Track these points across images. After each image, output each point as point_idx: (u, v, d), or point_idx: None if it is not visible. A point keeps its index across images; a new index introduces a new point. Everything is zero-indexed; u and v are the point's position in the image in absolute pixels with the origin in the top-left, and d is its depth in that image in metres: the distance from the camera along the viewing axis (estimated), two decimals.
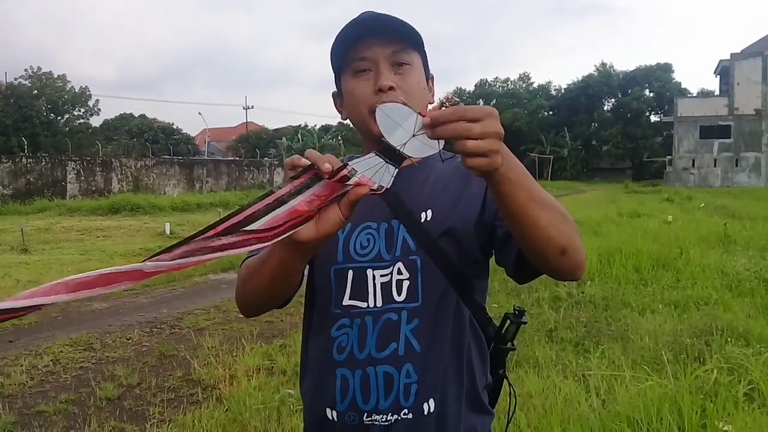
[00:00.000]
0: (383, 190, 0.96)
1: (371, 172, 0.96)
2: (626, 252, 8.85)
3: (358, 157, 0.99)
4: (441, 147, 0.95)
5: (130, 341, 5.97)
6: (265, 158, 42.60)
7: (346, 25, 1.24)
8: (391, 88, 1.21)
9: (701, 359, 4.62)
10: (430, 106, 1.25)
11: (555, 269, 1.12)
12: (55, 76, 42.38)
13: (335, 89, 1.35)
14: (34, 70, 41.75)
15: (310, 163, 0.96)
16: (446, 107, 0.95)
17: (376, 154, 0.97)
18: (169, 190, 29.98)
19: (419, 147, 0.95)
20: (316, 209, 0.98)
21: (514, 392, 1.45)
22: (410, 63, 1.25)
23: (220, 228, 0.90)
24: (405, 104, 0.96)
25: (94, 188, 27.12)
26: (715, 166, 47.33)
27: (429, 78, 1.33)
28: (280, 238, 0.95)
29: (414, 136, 0.95)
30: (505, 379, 1.40)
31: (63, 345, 5.75)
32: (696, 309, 6.31)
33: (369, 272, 1.25)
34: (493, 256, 1.30)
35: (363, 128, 1.28)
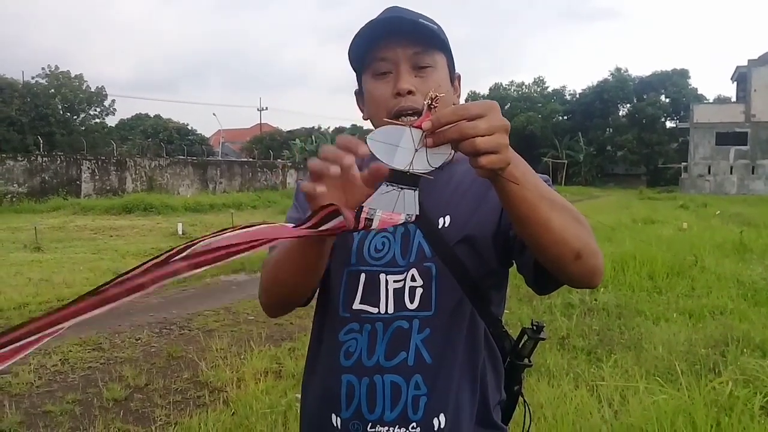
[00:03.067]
0: (414, 217, 0.90)
1: (391, 205, 0.89)
2: (640, 259, 8.75)
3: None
4: (453, 151, 0.88)
5: (139, 342, 5.96)
6: (279, 160, 42.70)
7: (368, 23, 1.19)
8: (410, 92, 1.17)
9: (716, 370, 4.54)
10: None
11: (570, 275, 1.04)
12: (72, 75, 42.63)
13: (357, 87, 1.31)
14: (51, 69, 42.04)
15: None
16: (434, 106, 0.89)
17: (388, 185, 0.90)
18: (183, 191, 30.10)
19: (429, 160, 0.89)
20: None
21: (530, 411, 1.39)
22: (432, 65, 1.20)
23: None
24: (393, 122, 0.90)
25: (108, 187, 27.28)
26: (731, 173, 46.90)
27: (454, 78, 1.28)
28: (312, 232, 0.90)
29: (417, 150, 0.88)
30: (519, 396, 1.34)
31: (72, 344, 5.74)
32: (711, 318, 6.21)
33: (382, 277, 1.21)
34: (515, 266, 1.25)
35: None
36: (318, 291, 1.31)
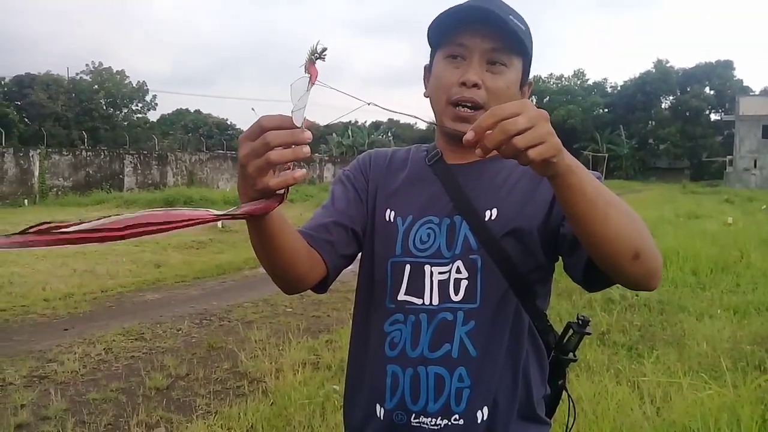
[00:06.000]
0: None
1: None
2: (683, 254, 8.58)
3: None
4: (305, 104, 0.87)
5: (180, 332, 6.05)
6: (315, 154, 42.95)
7: (461, 5, 1.19)
8: (475, 85, 1.17)
9: (762, 367, 4.43)
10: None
11: (627, 276, 1.01)
12: (115, 71, 43.53)
13: (428, 62, 1.30)
14: (95, 65, 43.05)
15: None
16: (317, 58, 0.87)
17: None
18: (222, 185, 30.48)
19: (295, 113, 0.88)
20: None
21: (574, 405, 1.37)
22: (507, 64, 1.20)
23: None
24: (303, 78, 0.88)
25: (150, 181, 27.78)
26: None
27: (525, 83, 1.28)
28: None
29: (301, 99, 0.87)
30: (564, 391, 1.33)
31: (116, 334, 5.86)
32: (757, 315, 6.07)
33: (427, 268, 1.21)
34: (560, 262, 1.23)
35: (436, 115, 1.25)
36: (359, 281, 1.32)
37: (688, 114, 56.41)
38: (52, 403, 4.20)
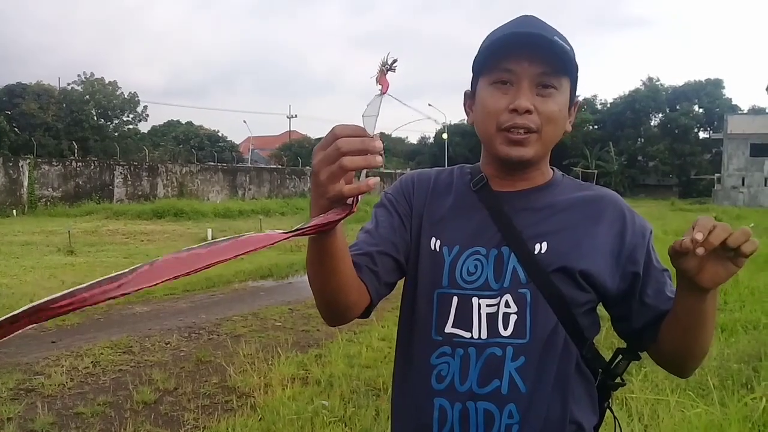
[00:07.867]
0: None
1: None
2: (672, 272, 8.59)
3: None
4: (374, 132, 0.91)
5: (168, 346, 6.03)
6: (307, 167, 42.91)
7: (503, 30, 1.18)
8: (528, 111, 1.15)
9: (749, 386, 4.45)
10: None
11: (687, 368, 1.25)
12: (106, 82, 43.34)
13: (470, 88, 1.27)
14: (87, 76, 42.79)
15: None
16: (386, 70, 0.91)
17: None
18: (213, 197, 30.43)
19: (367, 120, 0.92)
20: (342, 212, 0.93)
21: (620, 426, 1.36)
22: (557, 87, 1.17)
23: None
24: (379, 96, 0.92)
25: (140, 193, 27.70)
26: (765, 185, 45.93)
27: (573, 103, 1.25)
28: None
29: (378, 115, 0.92)
30: (608, 410, 1.33)
31: (103, 347, 5.83)
32: (744, 333, 6.10)
33: (474, 300, 1.19)
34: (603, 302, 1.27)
35: (485, 141, 1.23)
36: (403, 311, 1.30)
37: (677, 132, 56.77)
38: (38, 416, 4.17)
